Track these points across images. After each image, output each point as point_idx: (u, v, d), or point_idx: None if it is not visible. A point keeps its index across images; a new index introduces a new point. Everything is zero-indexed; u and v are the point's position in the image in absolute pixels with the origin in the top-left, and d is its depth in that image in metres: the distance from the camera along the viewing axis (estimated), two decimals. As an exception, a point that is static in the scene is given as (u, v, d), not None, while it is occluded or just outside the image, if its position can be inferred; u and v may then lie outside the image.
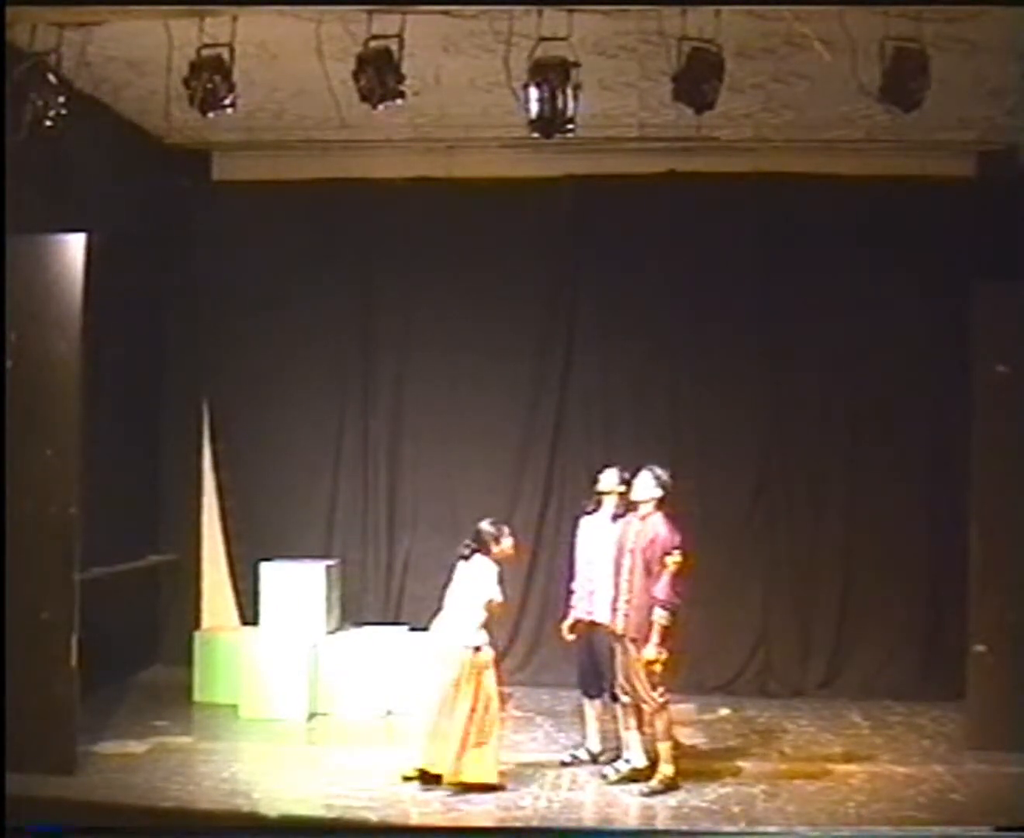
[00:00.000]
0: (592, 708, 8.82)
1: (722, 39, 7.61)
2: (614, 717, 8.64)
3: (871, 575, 10.88)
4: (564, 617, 8.90)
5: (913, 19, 7.44)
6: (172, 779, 8.28)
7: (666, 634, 8.03)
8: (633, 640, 8.12)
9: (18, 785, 7.03)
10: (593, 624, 8.65)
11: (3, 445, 7.92)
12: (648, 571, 8.12)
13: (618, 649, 8.33)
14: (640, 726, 8.33)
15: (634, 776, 8.31)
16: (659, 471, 8.31)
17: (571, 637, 8.84)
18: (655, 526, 8.19)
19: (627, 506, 8.56)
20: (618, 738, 8.59)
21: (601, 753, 8.78)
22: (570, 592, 8.91)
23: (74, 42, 8.04)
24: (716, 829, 7.58)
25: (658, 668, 8.07)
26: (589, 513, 8.84)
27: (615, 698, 8.55)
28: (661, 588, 8.05)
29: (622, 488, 8.61)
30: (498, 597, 8.20)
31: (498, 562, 8.28)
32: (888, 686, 10.72)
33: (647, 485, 8.28)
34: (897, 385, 10.83)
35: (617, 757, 8.53)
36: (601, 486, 8.77)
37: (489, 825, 7.60)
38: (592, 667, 8.72)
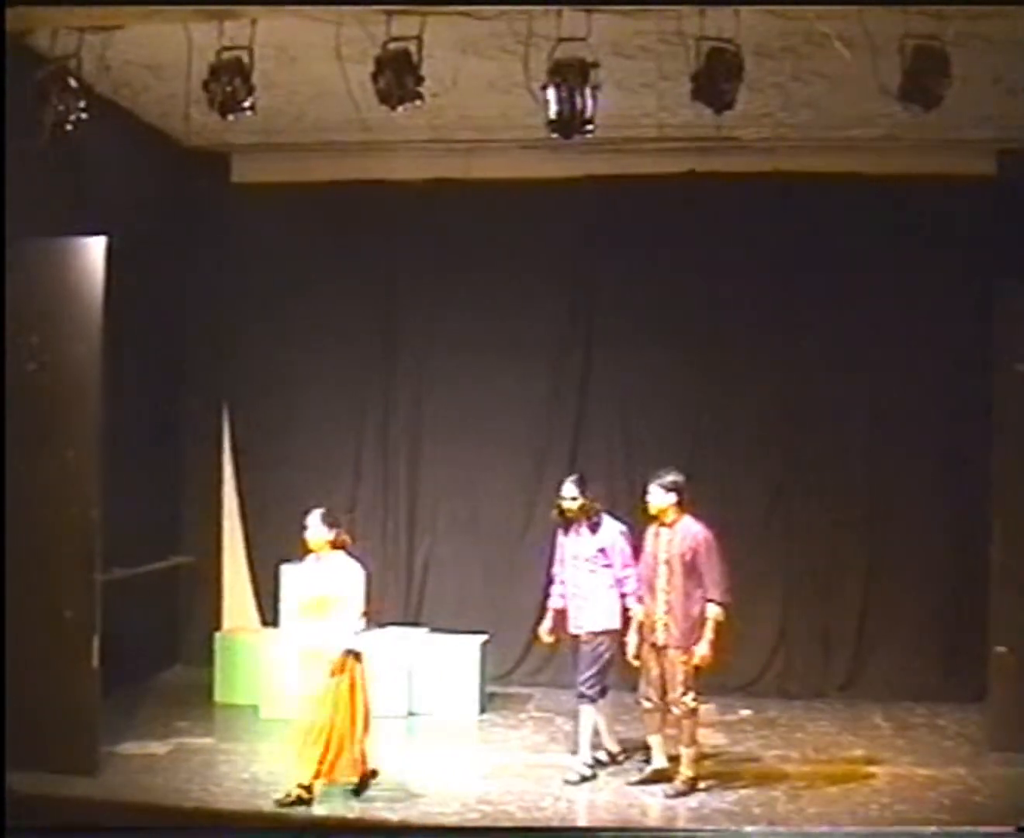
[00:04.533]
0: (601, 710, 8.75)
1: (741, 39, 7.59)
2: (607, 715, 8.71)
3: (892, 576, 10.84)
4: (540, 619, 8.95)
5: (933, 17, 7.41)
6: (193, 780, 8.33)
7: (719, 631, 8.03)
8: (682, 648, 8.07)
9: (40, 785, 7.08)
10: (591, 634, 8.56)
11: (25, 447, 7.97)
12: (692, 573, 8.07)
13: (646, 657, 8.29)
14: (662, 729, 8.32)
15: (654, 778, 8.31)
16: (666, 478, 8.23)
17: (548, 639, 8.85)
18: (687, 528, 8.16)
19: (606, 514, 8.61)
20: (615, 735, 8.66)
21: (620, 753, 8.77)
22: (547, 595, 8.90)
23: (94, 46, 8.08)
24: (738, 830, 7.57)
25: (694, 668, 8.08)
26: (566, 529, 8.71)
27: (602, 694, 8.58)
28: (713, 585, 8.04)
29: (586, 496, 8.59)
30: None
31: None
32: (909, 687, 10.67)
33: (658, 495, 8.23)
34: (917, 384, 10.78)
35: (630, 757, 8.55)
36: (568, 501, 8.61)
37: (508, 825, 7.60)
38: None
